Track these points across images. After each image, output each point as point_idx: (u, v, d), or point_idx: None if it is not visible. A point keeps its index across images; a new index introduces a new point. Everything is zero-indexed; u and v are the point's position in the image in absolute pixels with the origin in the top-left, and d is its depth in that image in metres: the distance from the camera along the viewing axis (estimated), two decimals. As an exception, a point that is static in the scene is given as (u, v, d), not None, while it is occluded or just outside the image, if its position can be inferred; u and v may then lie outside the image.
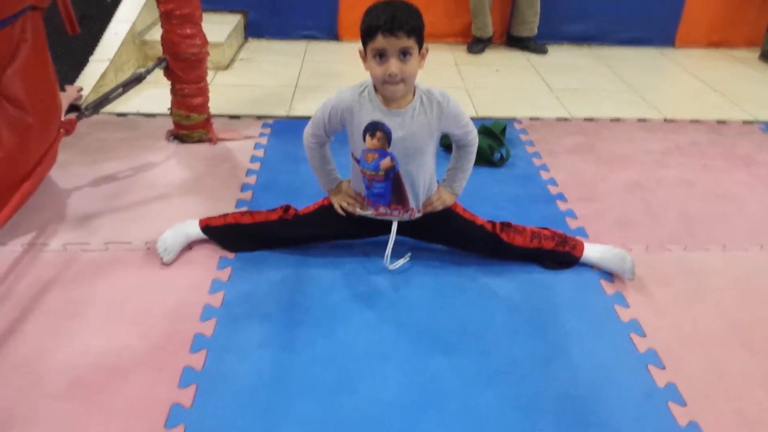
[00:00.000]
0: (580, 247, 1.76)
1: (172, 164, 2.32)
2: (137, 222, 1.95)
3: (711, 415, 1.35)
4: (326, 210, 1.74)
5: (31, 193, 1.93)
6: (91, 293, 1.65)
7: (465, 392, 1.39)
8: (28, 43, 1.87)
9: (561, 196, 2.18)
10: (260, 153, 2.42)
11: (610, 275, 1.77)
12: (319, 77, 3.28)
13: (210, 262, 1.77)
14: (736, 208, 2.15)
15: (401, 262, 1.75)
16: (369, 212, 1.72)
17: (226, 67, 3.37)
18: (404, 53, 1.44)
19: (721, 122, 2.86)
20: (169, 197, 2.10)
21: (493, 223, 1.75)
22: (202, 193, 2.14)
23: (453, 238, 1.78)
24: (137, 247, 1.83)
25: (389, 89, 1.49)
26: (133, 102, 2.77)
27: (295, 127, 2.44)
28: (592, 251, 1.77)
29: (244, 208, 2.02)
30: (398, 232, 1.73)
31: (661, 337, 1.56)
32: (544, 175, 2.32)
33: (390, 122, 1.54)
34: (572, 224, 2.02)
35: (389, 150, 1.56)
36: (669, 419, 1.33)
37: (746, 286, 1.76)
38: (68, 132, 2.12)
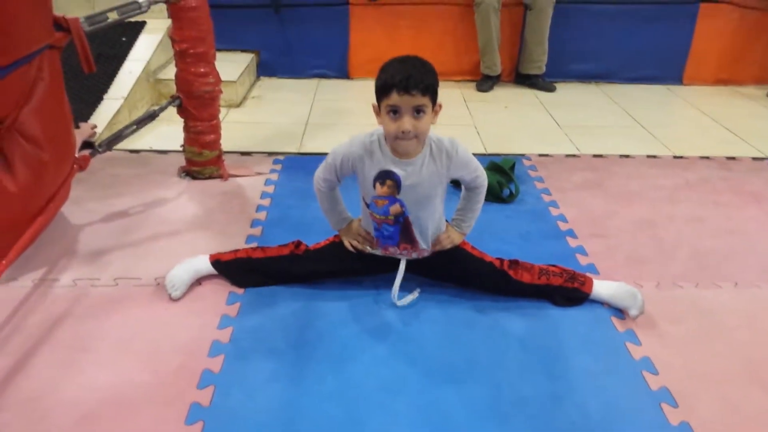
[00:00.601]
0: (589, 283, 1.75)
1: (183, 200, 2.34)
2: (147, 258, 1.96)
3: (727, 455, 1.32)
4: (337, 246, 1.75)
5: (44, 227, 1.94)
6: (100, 328, 1.65)
7: (475, 429, 1.37)
8: (45, 82, 1.91)
9: (571, 233, 2.17)
10: (270, 189, 2.44)
11: (621, 312, 1.75)
12: (330, 115, 3.31)
13: (219, 297, 1.77)
14: (748, 245, 2.14)
15: (410, 297, 1.75)
16: (378, 251, 1.72)
17: (239, 104, 3.42)
18: (418, 111, 1.47)
19: (730, 158, 2.86)
20: (180, 233, 2.12)
21: (501, 260, 1.75)
22: (213, 228, 2.15)
23: (461, 275, 1.78)
24: (147, 282, 1.84)
25: (402, 144, 1.53)
26: (145, 139, 2.81)
27: (306, 163, 2.48)
28: (602, 288, 1.76)
29: (254, 244, 2.03)
30: (407, 270, 1.74)
31: (673, 375, 1.54)
32: (554, 212, 2.32)
33: (400, 171, 1.56)
34: (583, 261, 2.01)
35: (399, 197, 1.59)
36: (684, 460, 1.31)
37: (759, 324, 1.74)
38: (82, 168, 2.14)
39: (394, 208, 1.61)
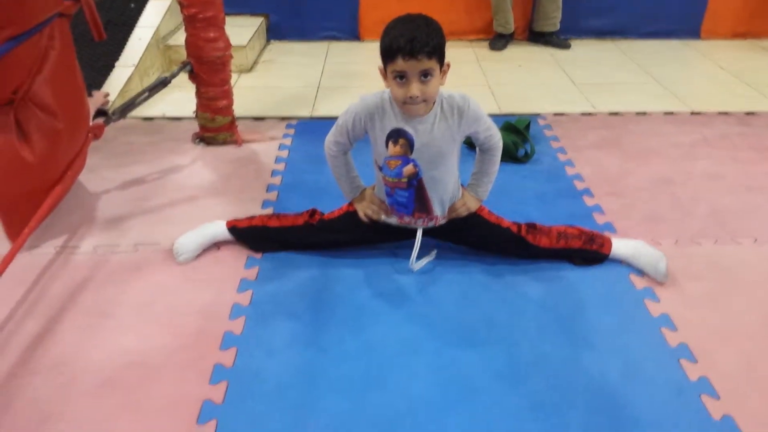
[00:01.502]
0: (608, 244, 1.74)
1: (198, 166, 2.35)
2: (165, 224, 1.97)
3: (746, 408, 1.33)
4: (351, 216, 1.73)
5: (62, 196, 1.96)
6: (122, 294, 1.68)
7: (494, 387, 1.38)
8: (56, 50, 1.91)
9: (587, 192, 2.16)
10: (284, 154, 2.44)
11: (639, 270, 1.74)
12: (341, 78, 3.29)
13: (237, 262, 1.79)
14: (765, 201, 2.11)
15: (426, 259, 1.75)
16: (393, 220, 1.72)
17: (250, 69, 3.39)
18: (425, 75, 1.42)
19: (749, 113, 2.81)
20: (196, 199, 2.12)
21: (519, 225, 1.74)
22: (229, 194, 2.16)
23: (478, 242, 1.77)
24: (166, 247, 1.85)
25: (410, 108, 1.49)
26: (158, 106, 2.80)
27: (318, 127, 2.46)
28: (622, 247, 1.75)
29: (269, 209, 2.04)
30: (423, 236, 1.73)
31: (692, 331, 1.54)
32: (570, 171, 2.31)
33: (412, 130, 1.53)
34: (600, 220, 2.00)
35: (412, 157, 1.56)
36: (703, 413, 1.32)
37: (780, 281, 1.73)
38: (96, 136, 2.15)
39: (408, 169, 1.59)
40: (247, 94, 2.99)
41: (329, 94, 3.06)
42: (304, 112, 2.83)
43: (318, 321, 1.57)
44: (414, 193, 1.62)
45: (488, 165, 1.67)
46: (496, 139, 1.63)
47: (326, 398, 1.35)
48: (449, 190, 1.66)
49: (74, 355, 1.48)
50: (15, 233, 1.84)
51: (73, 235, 1.93)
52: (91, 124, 2.13)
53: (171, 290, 1.69)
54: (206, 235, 1.81)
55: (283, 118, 2.77)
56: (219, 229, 1.81)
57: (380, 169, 1.63)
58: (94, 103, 2.69)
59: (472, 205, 1.69)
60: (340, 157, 1.68)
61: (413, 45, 1.38)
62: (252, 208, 2.05)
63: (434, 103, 1.53)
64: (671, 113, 2.82)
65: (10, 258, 1.61)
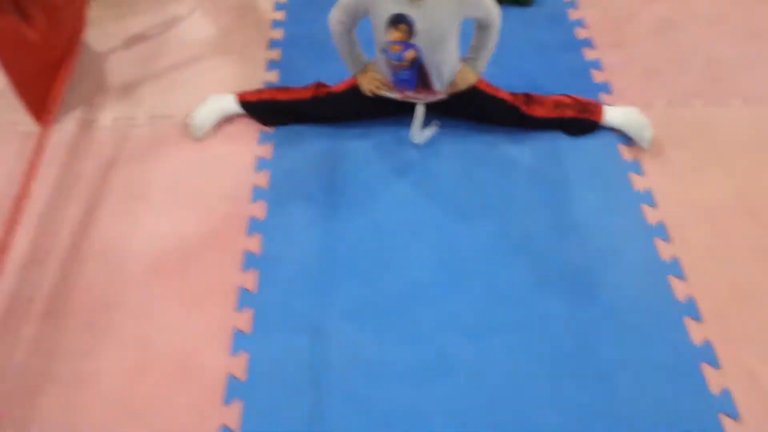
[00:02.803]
0: (599, 112, 1.84)
1: (198, 17, 2.32)
2: (175, 91, 2.04)
3: (707, 289, 1.55)
4: (355, 90, 1.80)
5: (72, 66, 2.00)
6: (147, 174, 1.82)
7: (487, 268, 1.60)
8: None
9: (588, 43, 2.18)
10: (283, -2, 2.39)
11: (629, 139, 1.86)
12: None
13: (250, 137, 1.90)
14: (764, 52, 2.14)
15: (428, 133, 1.85)
16: (395, 95, 1.79)
17: None
18: None
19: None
20: (201, 60, 2.16)
21: (515, 96, 1.81)
22: (232, 52, 2.18)
23: (477, 113, 1.86)
24: (180, 121, 1.95)
25: None
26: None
27: None
28: (614, 115, 1.85)
29: (275, 72, 2.09)
30: (425, 111, 1.82)
31: (671, 207, 1.71)
32: (573, 15, 2.29)
33: (413, 13, 1.55)
34: (597, 77, 2.05)
35: (413, 41, 1.59)
36: (668, 294, 1.54)
37: (759, 149, 1.85)
38: (93, -7, 2.12)
39: (409, 53, 1.63)
40: None
41: None
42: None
43: (331, 202, 1.74)
44: (416, 72, 1.69)
45: (486, 40, 1.69)
46: (494, 15, 1.64)
47: (344, 283, 1.58)
48: (449, 68, 1.72)
49: (117, 240, 1.67)
50: (37, 111, 1.94)
51: (90, 105, 2.01)
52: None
53: (193, 169, 1.83)
54: (218, 109, 1.89)
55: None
56: (230, 103, 1.89)
57: (382, 51, 1.68)
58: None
59: (471, 79, 1.75)
60: (345, 35, 1.71)
61: None
62: (257, 69, 2.10)
63: None
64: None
65: (41, 148, 1.73)
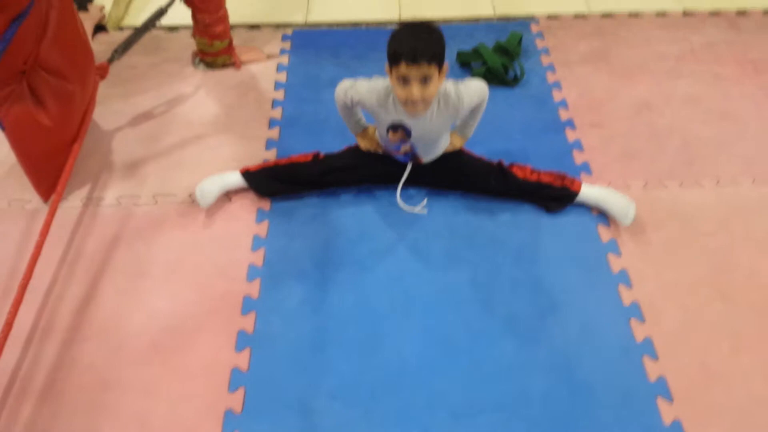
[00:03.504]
0: (577, 183, 1.95)
1: (201, 96, 2.45)
2: (179, 170, 2.15)
3: (678, 369, 1.62)
4: (353, 150, 1.98)
5: (79, 149, 2.11)
6: (149, 252, 1.91)
7: (473, 350, 1.67)
8: (56, 9, 1.95)
9: (570, 123, 2.30)
10: (283, 77, 2.52)
11: (607, 219, 1.95)
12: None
13: (248, 216, 2.00)
14: (738, 131, 2.26)
15: (417, 208, 1.96)
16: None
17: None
18: (425, 79, 1.57)
19: (741, 13, 2.82)
20: (204, 138, 2.27)
21: (499, 161, 1.98)
22: (234, 130, 2.29)
23: (462, 176, 1.98)
24: (182, 199, 2.05)
25: (410, 108, 1.66)
26: (151, 10, 2.77)
27: (315, 38, 2.67)
28: (592, 190, 1.95)
29: (273, 150, 2.20)
30: (413, 176, 1.95)
31: (646, 288, 1.80)
32: (557, 96, 2.42)
33: (410, 123, 1.72)
34: (578, 158, 2.17)
35: (409, 140, 1.76)
36: (641, 374, 1.62)
37: (731, 228, 1.95)
38: (102, 77, 2.25)
39: (405, 147, 1.83)
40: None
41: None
42: (299, 17, 2.84)
43: (323, 280, 1.82)
44: (410, 156, 1.88)
45: (475, 117, 1.87)
46: (484, 101, 1.81)
47: (334, 362, 1.65)
48: (441, 148, 1.90)
49: (118, 319, 1.75)
50: (45, 191, 2.05)
51: (96, 184, 2.12)
52: (96, 64, 2.22)
53: (193, 248, 1.92)
54: (223, 184, 2.01)
55: (278, 26, 2.79)
56: (232, 178, 2.02)
57: (381, 136, 1.86)
58: (90, 19, 2.72)
59: (457, 143, 1.93)
60: (348, 110, 1.86)
61: (416, 53, 1.53)
62: (257, 147, 2.21)
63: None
64: (663, 14, 2.83)
65: (47, 227, 1.82)
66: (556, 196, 1.96)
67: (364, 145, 1.95)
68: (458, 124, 1.91)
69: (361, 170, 2.01)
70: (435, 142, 1.82)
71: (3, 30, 1.70)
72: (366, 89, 1.75)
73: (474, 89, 1.76)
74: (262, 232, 1.95)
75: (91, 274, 1.86)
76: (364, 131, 1.95)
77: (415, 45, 1.53)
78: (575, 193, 1.96)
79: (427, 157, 1.89)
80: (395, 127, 1.75)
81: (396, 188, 1.96)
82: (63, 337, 1.71)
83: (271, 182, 2.02)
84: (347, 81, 1.80)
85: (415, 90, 1.58)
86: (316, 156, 2.00)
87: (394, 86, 1.64)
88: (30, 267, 1.71)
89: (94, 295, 1.81)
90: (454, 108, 1.73)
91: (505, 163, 1.98)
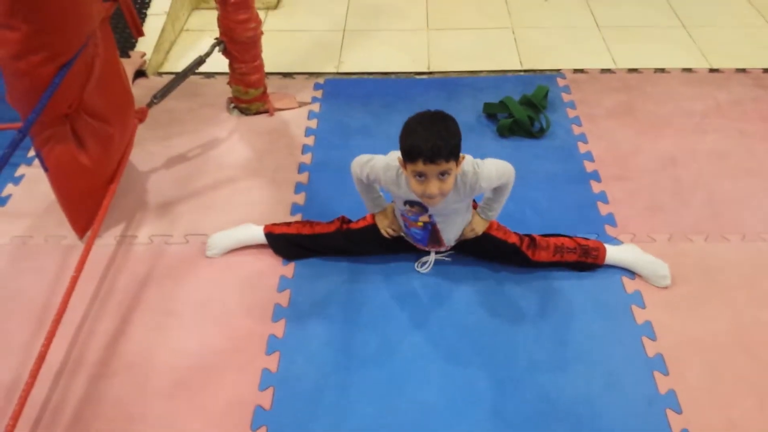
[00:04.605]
0: (602, 255, 1.94)
1: (235, 141, 2.53)
2: (210, 211, 2.21)
3: (702, 423, 1.61)
4: (374, 229, 1.93)
5: (115, 189, 2.18)
6: (179, 291, 1.95)
7: (495, 395, 1.67)
8: (101, 56, 2.05)
9: (595, 175, 2.32)
10: (314, 124, 2.60)
11: (631, 272, 1.96)
12: (368, 18, 3.32)
13: (275, 257, 2.04)
14: (764, 187, 2.26)
15: (440, 257, 1.99)
16: (410, 239, 1.94)
17: (276, 6, 3.43)
18: (443, 173, 1.54)
19: (766, 71, 2.86)
20: (236, 181, 2.34)
21: (522, 238, 1.92)
22: (265, 174, 2.36)
23: (486, 255, 1.98)
24: (212, 239, 2.10)
25: (427, 202, 1.64)
26: (190, 55, 2.89)
27: (345, 87, 2.77)
28: (616, 254, 1.95)
29: (302, 194, 2.25)
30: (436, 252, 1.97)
31: (669, 340, 1.79)
32: (582, 148, 2.45)
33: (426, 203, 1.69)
34: (603, 210, 2.18)
35: (427, 212, 1.75)
36: (665, 427, 1.60)
37: (756, 285, 1.94)
38: (141, 120, 2.34)
39: (423, 218, 1.78)
40: (274, 43, 3.04)
41: (355, 39, 3.13)
42: (331, 67, 2.94)
43: (347, 323, 1.85)
44: (429, 233, 1.84)
45: (500, 196, 1.81)
46: (507, 179, 1.75)
47: (357, 403, 1.66)
48: (461, 228, 1.87)
49: (146, 355, 1.79)
50: (81, 228, 2.11)
51: (130, 223, 2.19)
52: (135, 108, 2.31)
53: (221, 288, 1.96)
54: (240, 239, 2.04)
55: (310, 75, 2.89)
56: (251, 235, 2.04)
57: (399, 210, 1.84)
58: (131, 64, 2.84)
59: (479, 229, 1.87)
60: (364, 186, 1.85)
61: (433, 152, 1.48)
62: (286, 191, 2.27)
63: None
64: (689, 70, 2.87)
65: (82, 264, 1.87)
66: (580, 268, 1.97)
67: (383, 225, 1.90)
68: (481, 204, 1.87)
69: (384, 248, 2.00)
70: (454, 213, 1.78)
71: (51, 77, 1.79)
72: (382, 167, 1.70)
73: (494, 170, 1.69)
74: (289, 273, 1.99)
75: (122, 310, 1.91)
76: (383, 212, 1.90)
77: (433, 143, 1.47)
78: (599, 265, 1.96)
79: (446, 228, 1.82)
80: (412, 203, 1.72)
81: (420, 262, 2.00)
82: (92, 372, 1.75)
83: (293, 248, 2.03)
84: (363, 156, 1.77)
85: (433, 186, 1.54)
86: (339, 228, 1.97)
87: (409, 179, 1.60)
88: (64, 301, 1.76)
89: (123, 331, 1.85)
90: (471, 187, 1.67)
91: (529, 241, 1.93)
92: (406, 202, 1.75)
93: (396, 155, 1.66)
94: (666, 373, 1.71)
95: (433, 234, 1.84)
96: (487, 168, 1.68)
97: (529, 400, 1.66)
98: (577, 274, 1.96)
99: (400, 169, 1.66)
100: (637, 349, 1.77)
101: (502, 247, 1.92)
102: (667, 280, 1.91)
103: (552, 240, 1.95)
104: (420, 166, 1.52)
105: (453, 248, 1.98)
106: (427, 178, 1.55)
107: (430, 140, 1.48)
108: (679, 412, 1.63)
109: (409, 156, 1.53)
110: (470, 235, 1.88)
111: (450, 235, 1.86)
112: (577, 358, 1.75)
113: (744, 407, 1.64)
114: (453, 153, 1.52)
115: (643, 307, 1.88)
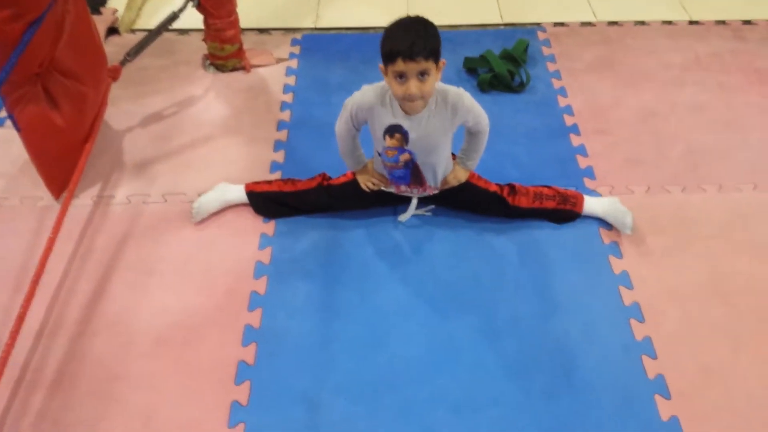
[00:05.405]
0: (580, 203, 1.96)
1: (211, 98, 2.49)
2: (188, 170, 2.18)
3: (677, 368, 1.64)
4: (355, 184, 1.93)
5: (91, 149, 2.14)
6: (159, 250, 1.94)
7: (475, 348, 1.69)
8: (71, 13, 2.00)
9: (575, 129, 2.32)
10: (292, 81, 2.56)
11: (609, 224, 1.98)
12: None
13: (256, 215, 2.03)
14: (741, 139, 2.28)
15: (419, 211, 1.99)
16: (391, 189, 1.92)
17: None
18: (422, 74, 1.55)
19: (746, 22, 2.85)
20: (213, 139, 2.31)
21: (501, 187, 1.95)
22: (243, 133, 2.33)
23: (467, 205, 1.99)
24: (191, 198, 2.07)
25: (408, 105, 1.65)
26: (164, 12, 2.81)
27: (323, 43, 2.72)
28: (594, 205, 1.97)
29: (281, 151, 2.24)
30: (418, 201, 1.97)
31: (646, 289, 1.82)
32: (562, 102, 2.44)
33: (407, 125, 1.69)
34: (582, 163, 2.19)
35: (407, 147, 1.74)
36: (640, 372, 1.64)
37: (732, 234, 1.97)
38: (114, 79, 2.29)
39: (404, 157, 1.77)
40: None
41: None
42: (308, 22, 2.89)
43: (329, 280, 1.85)
44: (410, 170, 1.82)
45: (477, 143, 1.83)
46: (485, 123, 1.77)
47: (339, 358, 1.67)
48: (442, 167, 1.85)
49: (127, 314, 1.78)
50: (56, 189, 2.08)
51: (107, 183, 2.16)
52: (108, 65, 2.26)
53: (201, 247, 1.95)
54: (225, 200, 2.03)
55: (287, 30, 2.84)
56: (234, 195, 2.02)
57: (379, 154, 1.82)
58: (103, 21, 2.77)
59: (462, 177, 1.89)
60: (349, 141, 1.83)
61: (412, 49, 1.51)
62: (265, 149, 2.25)
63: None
64: (669, 23, 2.86)
65: (59, 225, 1.85)
66: (558, 217, 1.98)
67: (364, 182, 1.91)
68: (459, 154, 1.88)
69: (366, 203, 2.00)
70: (434, 149, 1.77)
71: (20, 34, 1.74)
72: (359, 95, 1.72)
73: (475, 103, 1.73)
74: (269, 230, 1.99)
75: (101, 270, 1.89)
76: (363, 168, 1.92)
77: (411, 41, 1.50)
78: (578, 214, 1.98)
79: (427, 167, 1.82)
80: (392, 132, 1.72)
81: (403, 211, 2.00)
82: (73, 331, 1.74)
83: (274, 206, 2.02)
84: (340, 115, 1.78)
85: (413, 86, 1.55)
86: (320, 183, 1.97)
87: (390, 84, 1.61)
88: (42, 263, 1.75)
89: (103, 291, 1.84)
90: (452, 108, 1.69)
91: (509, 189, 1.96)
92: (386, 133, 1.72)
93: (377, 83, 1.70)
94: (642, 321, 1.74)
95: (414, 172, 1.83)
96: (468, 96, 1.71)
97: (508, 352, 1.68)
98: (557, 225, 1.97)
99: (381, 88, 1.69)
100: (614, 298, 1.80)
101: (482, 195, 1.93)
102: (627, 229, 1.94)
103: (531, 188, 1.96)
104: (400, 65, 1.52)
105: (434, 200, 1.98)
106: (407, 78, 1.56)
107: (408, 38, 1.51)
108: (654, 357, 1.66)
109: (388, 56, 1.55)
110: (453, 182, 1.88)
111: (430, 174, 1.85)
112: (555, 309, 1.77)
113: (718, 353, 1.68)
114: (432, 53, 1.54)
115: (620, 257, 1.90)
